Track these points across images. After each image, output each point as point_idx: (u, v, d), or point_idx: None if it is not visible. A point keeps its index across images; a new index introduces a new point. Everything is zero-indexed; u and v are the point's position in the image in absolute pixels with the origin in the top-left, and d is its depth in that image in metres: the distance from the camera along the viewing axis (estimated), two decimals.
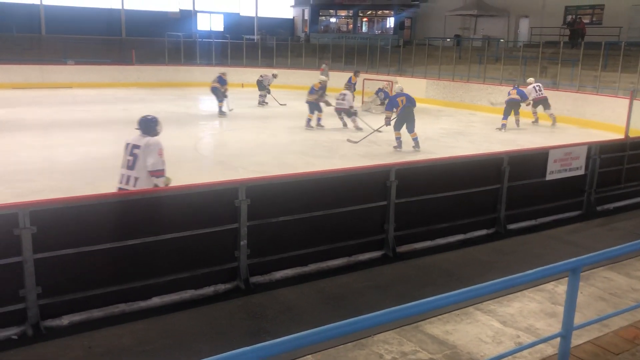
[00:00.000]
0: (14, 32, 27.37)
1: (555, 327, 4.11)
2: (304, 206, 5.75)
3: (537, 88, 17.03)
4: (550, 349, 3.79)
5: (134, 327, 4.61)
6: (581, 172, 8.08)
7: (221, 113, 17.33)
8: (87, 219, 4.69)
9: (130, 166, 5.64)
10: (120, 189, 5.70)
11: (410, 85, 22.34)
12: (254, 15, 37.42)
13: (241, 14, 37.22)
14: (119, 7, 32.49)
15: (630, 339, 4.03)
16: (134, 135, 5.82)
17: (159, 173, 5.66)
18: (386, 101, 13.89)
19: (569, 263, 3.02)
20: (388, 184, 6.27)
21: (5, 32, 26.99)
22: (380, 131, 13.36)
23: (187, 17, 34.70)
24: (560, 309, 3.51)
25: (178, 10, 34.74)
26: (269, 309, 4.99)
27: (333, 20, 38.90)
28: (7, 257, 4.35)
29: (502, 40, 26.98)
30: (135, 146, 5.66)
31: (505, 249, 6.84)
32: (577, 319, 3.36)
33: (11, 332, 4.41)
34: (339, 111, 15.19)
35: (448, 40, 30.09)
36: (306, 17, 38.58)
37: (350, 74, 19.63)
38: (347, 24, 38.21)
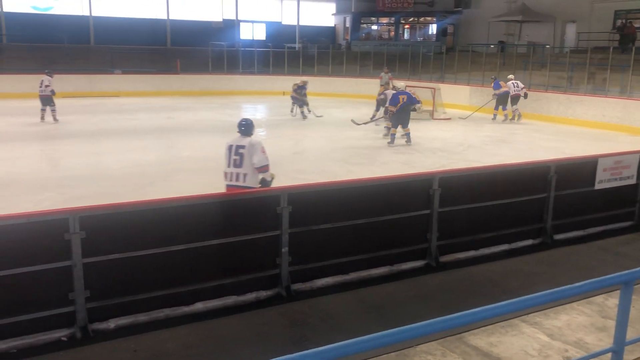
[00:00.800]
0: (65, 43, 28.36)
1: (606, 341, 3.97)
2: (345, 214, 5.74)
3: (515, 85, 18.40)
4: None
5: (178, 332, 4.69)
6: (632, 181, 7.81)
7: (303, 117, 18.63)
8: (134, 224, 4.80)
9: (238, 164, 6.16)
10: (229, 186, 6.18)
11: (453, 92, 22.21)
12: (295, 24, 37.73)
13: (283, 23, 37.59)
14: (165, 17, 33.32)
15: None
16: (233, 137, 6.32)
17: (265, 168, 6.19)
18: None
19: (622, 275, 2.92)
20: (431, 192, 6.19)
21: (57, 43, 28.00)
22: (377, 124, 15.73)
23: (230, 26, 35.26)
24: (611, 323, 3.40)
25: (221, 20, 35.33)
26: (310, 317, 4.99)
27: (374, 27, 38.84)
28: (57, 261, 4.49)
29: (547, 46, 26.40)
30: (240, 146, 6.18)
31: (552, 259, 6.66)
32: (630, 334, 3.24)
33: (61, 334, 4.54)
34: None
35: (492, 46, 29.64)
36: (347, 25, 38.64)
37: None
38: (389, 31, 38.07)
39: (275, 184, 6.26)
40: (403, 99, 13.35)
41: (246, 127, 6.32)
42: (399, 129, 13.61)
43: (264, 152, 6.17)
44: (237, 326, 4.84)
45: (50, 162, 11.46)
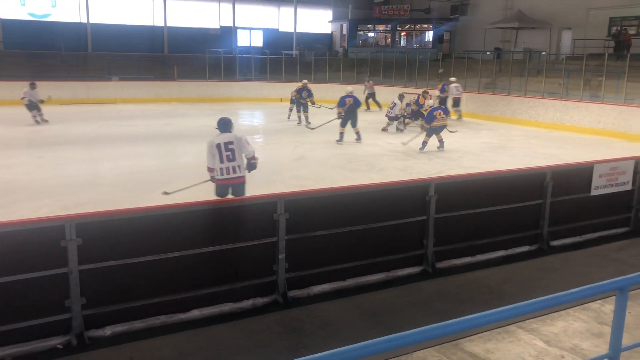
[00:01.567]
0: (62, 50, 28.37)
1: (602, 347, 3.98)
2: (342, 220, 5.75)
3: (457, 88, 20.11)
4: None
5: (174, 339, 4.67)
6: (628, 187, 7.84)
7: (300, 122, 18.83)
8: (130, 231, 4.80)
9: (232, 159, 6.91)
10: (225, 179, 6.92)
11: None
12: (292, 30, 37.83)
13: (280, 30, 37.69)
14: (162, 24, 33.37)
15: None
16: (217, 136, 6.98)
17: (255, 158, 7.08)
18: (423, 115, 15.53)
19: (617, 282, 2.92)
20: (427, 199, 6.20)
21: (54, 50, 28.00)
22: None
23: (227, 33, 35.33)
24: (607, 329, 3.40)
25: (219, 27, 35.41)
26: (307, 324, 4.99)
27: (371, 34, 38.94)
28: (53, 268, 4.48)
29: (544, 53, 26.48)
30: (228, 142, 6.91)
31: (549, 266, 6.67)
32: (625, 340, 3.24)
33: (56, 341, 4.53)
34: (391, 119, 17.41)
35: (488, 53, 29.73)
36: (344, 32, 38.74)
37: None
38: (386, 38, 38.16)
39: (273, 190, 6.27)
40: (349, 101, 14.98)
41: (227, 125, 7.03)
42: (348, 127, 14.89)
43: (248, 143, 7.04)
44: (233, 333, 4.83)
45: (48, 168, 11.43)
